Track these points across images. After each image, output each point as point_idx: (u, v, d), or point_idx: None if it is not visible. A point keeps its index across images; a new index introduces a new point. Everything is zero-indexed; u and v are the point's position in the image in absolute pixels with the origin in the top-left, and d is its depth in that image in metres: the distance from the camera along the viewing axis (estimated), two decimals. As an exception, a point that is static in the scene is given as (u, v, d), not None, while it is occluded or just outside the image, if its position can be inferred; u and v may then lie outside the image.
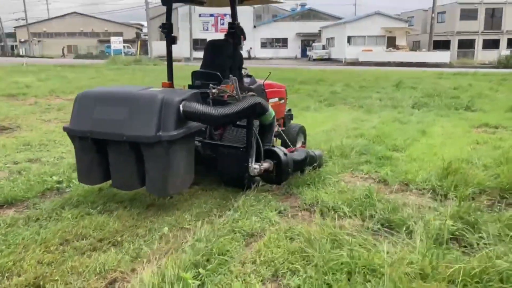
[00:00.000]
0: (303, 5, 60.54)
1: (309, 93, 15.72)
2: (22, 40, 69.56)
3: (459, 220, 4.03)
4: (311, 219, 4.29)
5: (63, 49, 64.29)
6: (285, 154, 4.82)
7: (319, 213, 4.40)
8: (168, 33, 5.41)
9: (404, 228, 3.94)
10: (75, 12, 71.79)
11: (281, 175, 4.85)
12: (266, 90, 6.37)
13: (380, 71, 28.11)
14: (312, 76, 23.02)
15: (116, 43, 44.09)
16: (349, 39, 45.77)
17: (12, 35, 76.30)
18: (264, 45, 56.35)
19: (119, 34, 69.21)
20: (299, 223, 4.12)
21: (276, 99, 6.68)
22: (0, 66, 31.43)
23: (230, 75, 4.99)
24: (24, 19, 67.95)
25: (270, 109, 4.72)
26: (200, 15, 53.08)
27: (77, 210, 4.49)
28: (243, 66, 6.38)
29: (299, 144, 6.91)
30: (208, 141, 5.07)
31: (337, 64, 42.53)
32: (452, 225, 3.92)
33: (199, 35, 52.48)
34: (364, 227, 4.07)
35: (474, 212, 4.20)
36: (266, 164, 4.78)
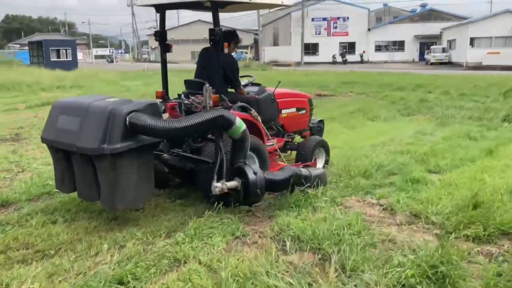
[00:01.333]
0: (423, 6, 56.69)
1: (395, 100, 14.51)
2: (153, 47, 76.03)
3: (429, 270, 3.22)
4: (262, 250, 3.80)
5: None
6: (254, 173, 4.35)
7: (273, 243, 3.89)
8: (162, 41, 5.27)
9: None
10: (199, 20, 76.34)
11: (249, 196, 4.39)
12: (277, 100, 5.90)
13: (499, 77, 25.00)
14: (414, 81, 21.30)
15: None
16: (471, 40, 41.53)
17: (146, 43, 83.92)
18: (378, 48, 53.94)
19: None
20: (234, 255, 3.64)
21: (293, 109, 6.16)
22: (126, 71, 34.74)
23: (205, 85, 4.69)
24: (155, 28, 74.22)
25: (239, 123, 4.29)
26: (313, 19, 52.71)
27: (46, 217, 4.58)
28: (250, 74, 6.02)
29: (319, 160, 6.30)
30: (182, 153, 4.81)
31: (457, 68, 38.89)
32: (413, 277, 3.16)
33: (310, 39, 52.16)
34: (313, 266, 3.48)
35: (456, 260, 3.33)
36: (232, 183, 4.37)
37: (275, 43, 59.85)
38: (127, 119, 3.92)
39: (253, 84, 6.03)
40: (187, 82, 5.44)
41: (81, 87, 20.01)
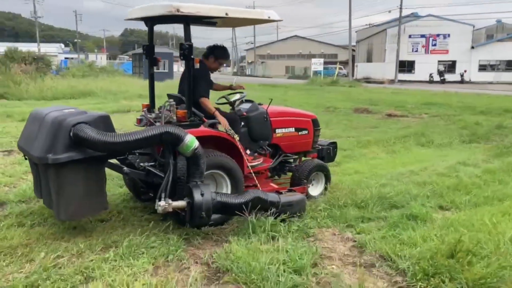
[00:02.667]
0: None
1: (467, 125, 13.17)
2: (250, 61, 78.24)
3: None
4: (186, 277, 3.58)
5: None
6: (202, 194, 4.12)
7: (197, 274, 3.66)
8: (150, 55, 5.29)
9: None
10: (296, 36, 77.13)
11: (192, 217, 4.18)
12: (272, 119, 5.62)
13: None
14: (508, 105, 19.23)
15: (317, 64, 45.37)
16: None
17: (244, 58, 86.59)
18: (483, 68, 49.82)
19: (334, 56, 71.34)
20: (142, 281, 3.46)
21: (290, 129, 5.82)
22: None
23: (168, 100, 4.60)
24: (253, 43, 76.45)
25: (189, 140, 4.12)
26: (410, 36, 50.37)
27: (16, 220, 4.78)
28: (242, 90, 5.81)
29: (316, 185, 5.88)
30: (148, 167, 4.73)
31: None
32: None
33: (406, 56, 49.85)
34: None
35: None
36: (179, 203, 4.19)
37: (369, 60, 58.19)
38: (72, 130, 3.96)
39: (246, 101, 5.82)
40: (169, 97, 5.40)
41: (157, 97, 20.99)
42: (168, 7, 4.38)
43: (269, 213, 4.51)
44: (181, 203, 4.18)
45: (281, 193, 5.09)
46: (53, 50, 65.42)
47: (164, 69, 41.82)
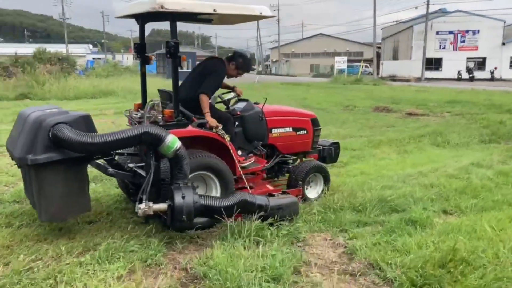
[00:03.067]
0: None
1: (489, 124, 12.60)
2: (274, 60, 77.94)
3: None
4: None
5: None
6: (182, 196, 3.98)
7: (170, 280, 3.53)
8: (141, 53, 5.18)
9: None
10: (321, 34, 76.35)
11: (173, 221, 4.05)
12: (267, 118, 5.44)
13: None
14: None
15: (340, 62, 44.73)
16: None
17: (268, 56, 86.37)
18: (514, 64, 48.24)
19: (359, 54, 70.28)
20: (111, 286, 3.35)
21: (287, 129, 5.62)
22: (235, 83, 35.91)
23: (152, 100, 4.50)
24: (277, 41, 76.11)
25: (170, 141, 3.99)
26: (437, 33, 49.11)
27: (5, 220, 4.79)
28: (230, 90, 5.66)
29: (314, 187, 5.67)
30: (135, 168, 4.62)
31: None
32: None
33: (433, 54, 48.65)
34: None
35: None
36: (160, 206, 4.06)
37: (395, 57, 57.06)
38: (51, 130, 3.89)
39: (240, 100, 5.66)
40: (159, 92, 5.29)
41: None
42: (152, 3, 4.25)
43: (255, 216, 4.34)
44: (162, 206, 4.06)
45: (273, 195, 4.92)
46: (81, 50, 66.87)
47: (187, 69, 42.12)
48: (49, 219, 4.15)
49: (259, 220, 4.33)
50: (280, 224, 4.50)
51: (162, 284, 3.49)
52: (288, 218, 4.59)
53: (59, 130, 3.86)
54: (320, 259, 4.03)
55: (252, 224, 4.23)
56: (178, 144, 4.06)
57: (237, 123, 5.39)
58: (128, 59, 63.52)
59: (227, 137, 4.81)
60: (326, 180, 5.72)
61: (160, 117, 4.57)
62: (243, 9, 4.81)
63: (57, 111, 4.21)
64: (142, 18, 5.03)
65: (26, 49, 42.49)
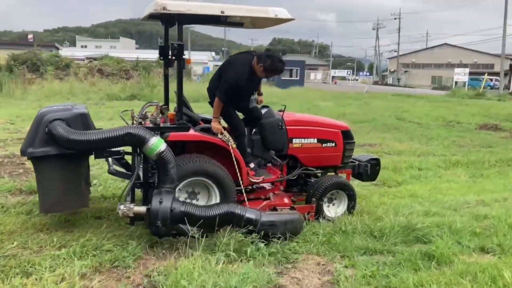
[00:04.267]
0: None
1: None
2: (392, 70, 74.74)
3: None
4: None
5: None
6: (160, 201, 3.87)
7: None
8: (165, 56, 5.21)
9: None
10: (445, 44, 71.30)
11: (150, 225, 3.95)
12: (288, 127, 5.12)
13: None
14: None
15: (461, 74, 41.07)
16: None
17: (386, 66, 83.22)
18: None
19: (489, 66, 64.20)
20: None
21: (311, 140, 5.22)
22: (341, 92, 35.10)
23: (151, 101, 4.48)
24: (396, 51, 72.88)
25: (153, 143, 3.91)
26: None
27: (25, 208, 5.10)
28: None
29: (338, 204, 5.20)
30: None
31: None
32: None
33: None
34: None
35: None
36: (140, 208, 4.00)
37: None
38: (48, 126, 4.07)
39: (262, 106, 5.39)
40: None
41: (272, 104, 21.05)
42: (155, 5, 4.25)
43: (240, 230, 4.08)
44: (141, 209, 4.01)
45: (276, 209, 4.61)
46: (203, 58, 70.87)
47: (295, 77, 42.35)
48: (46, 210, 4.34)
49: (242, 234, 4.08)
50: (272, 241, 4.17)
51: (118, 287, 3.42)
52: (281, 236, 4.23)
53: (53, 126, 4.03)
54: (297, 285, 3.64)
55: (233, 238, 3.98)
56: (162, 147, 3.98)
57: (255, 130, 5.16)
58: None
59: (232, 144, 4.61)
60: (351, 199, 5.20)
61: (159, 119, 4.53)
62: (255, 11, 4.59)
63: (62, 107, 4.39)
64: (165, 21, 5.06)
65: (151, 54, 46.40)
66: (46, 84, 23.70)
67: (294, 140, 5.17)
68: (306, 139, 5.22)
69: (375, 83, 71.17)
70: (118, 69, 30.49)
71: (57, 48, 52.04)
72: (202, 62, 61.49)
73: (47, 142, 4.08)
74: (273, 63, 4.77)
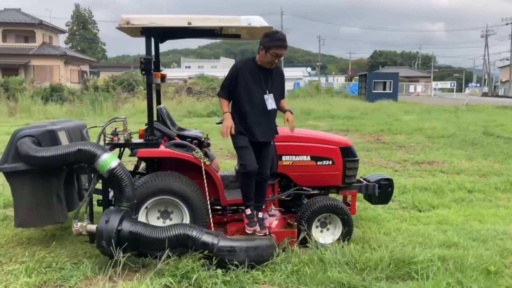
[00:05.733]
0: None
1: None
2: (503, 80, 68.18)
3: None
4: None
5: None
6: (106, 221, 3.72)
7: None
8: (156, 70, 5.09)
9: None
10: None
11: (97, 245, 3.80)
12: (276, 143, 4.71)
13: None
14: None
15: None
16: None
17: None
18: None
19: None
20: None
21: (304, 157, 4.75)
22: (435, 104, 32.67)
23: (119, 117, 4.38)
24: (508, 59, 66.40)
25: (103, 160, 3.80)
26: None
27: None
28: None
29: (333, 230, 4.66)
30: None
31: None
32: None
33: None
34: None
35: None
36: (92, 227, 3.89)
37: None
38: (17, 142, 4.18)
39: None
40: (157, 110, 5.05)
41: (350, 118, 20.25)
42: (120, 20, 4.20)
43: (191, 254, 3.80)
44: (93, 228, 3.91)
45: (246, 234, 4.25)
46: (298, 74, 71.11)
47: (388, 90, 40.41)
48: (19, 225, 4.43)
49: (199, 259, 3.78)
50: (230, 268, 3.81)
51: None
52: (240, 264, 3.83)
53: (20, 142, 4.12)
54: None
55: (180, 262, 3.71)
56: (113, 163, 3.87)
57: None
58: (338, 81, 64.81)
59: (205, 161, 4.36)
60: (345, 224, 4.61)
61: (126, 135, 4.42)
62: (226, 20, 4.32)
63: (45, 123, 4.50)
64: (154, 35, 5.00)
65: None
66: (136, 102, 25.37)
67: (283, 157, 4.75)
68: (297, 156, 4.77)
69: (484, 94, 65.42)
70: (206, 87, 31.74)
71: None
72: (297, 78, 61.78)
73: (18, 158, 4.18)
74: (268, 36, 4.14)
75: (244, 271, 3.81)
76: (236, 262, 3.81)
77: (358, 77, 45.62)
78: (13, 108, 22.47)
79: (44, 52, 43.61)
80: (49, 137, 4.28)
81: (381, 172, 8.21)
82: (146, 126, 4.45)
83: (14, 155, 4.19)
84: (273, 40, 4.09)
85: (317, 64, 79.35)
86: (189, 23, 4.22)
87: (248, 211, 4.34)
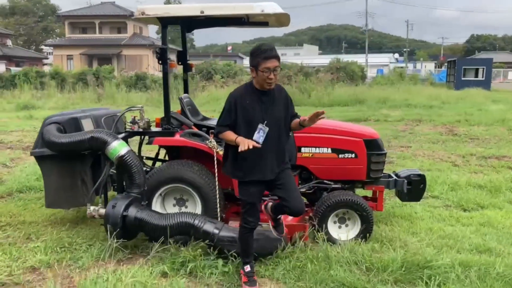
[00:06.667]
0: None
1: None
2: None
3: None
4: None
5: None
6: (113, 206, 3.85)
7: None
8: (183, 61, 5.15)
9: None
10: None
11: (105, 229, 3.94)
12: (296, 134, 4.55)
13: None
14: None
15: None
16: None
17: None
18: None
19: None
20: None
21: (325, 149, 4.54)
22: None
23: (135, 105, 4.48)
24: None
25: (113, 147, 3.93)
26: None
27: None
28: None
29: (352, 226, 4.43)
30: None
31: None
32: None
33: None
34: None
35: None
36: (103, 211, 4.05)
37: None
38: (43, 129, 4.46)
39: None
40: (180, 100, 5.08)
41: (428, 107, 19.02)
42: (136, 11, 4.29)
43: (194, 242, 3.82)
44: (104, 211, 4.06)
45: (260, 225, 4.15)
46: (384, 60, 68.40)
47: (480, 77, 37.37)
48: (48, 206, 4.73)
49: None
50: (232, 259, 3.78)
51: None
52: (238, 254, 3.77)
53: (46, 129, 4.40)
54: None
55: (183, 251, 3.76)
56: (122, 151, 3.99)
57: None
58: (427, 67, 61.22)
59: (219, 150, 4.33)
60: (364, 221, 4.35)
61: (142, 124, 4.52)
62: (238, 8, 4.22)
63: (72, 112, 4.78)
64: (182, 26, 5.05)
65: (322, 60, 46.83)
66: (213, 90, 26.04)
67: (303, 149, 4.58)
68: (317, 148, 4.58)
69: None
70: (281, 75, 31.67)
71: (241, 58, 56.80)
72: (382, 64, 59.49)
73: (43, 144, 4.47)
74: (253, 53, 3.36)
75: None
76: (235, 253, 3.76)
77: (446, 64, 42.72)
78: (100, 95, 24.19)
79: (134, 43, 46.28)
80: (73, 124, 4.51)
81: (437, 166, 7.68)
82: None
83: (41, 141, 4.48)
84: (258, 55, 3.30)
85: (404, 50, 75.62)
86: (202, 12, 4.20)
87: (248, 268, 3.58)
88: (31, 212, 5.29)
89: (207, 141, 4.36)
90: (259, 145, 3.26)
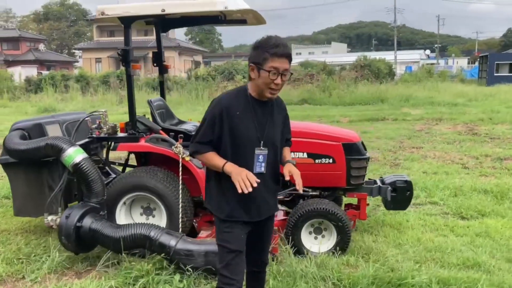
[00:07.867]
0: None
1: None
2: None
3: None
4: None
5: None
6: (66, 217, 3.66)
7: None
8: (158, 62, 4.95)
9: None
10: None
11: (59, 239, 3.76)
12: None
13: None
14: None
15: None
16: None
17: None
18: None
19: None
20: None
21: (300, 154, 4.22)
22: None
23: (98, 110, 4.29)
24: None
25: (68, 154, 3.74)
26: None
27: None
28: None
29: (328, 237, 4.11)
30: None
31: None
32: None
33: None
34: None
35: None
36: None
37: None
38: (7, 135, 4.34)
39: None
40: (148, 103, 4.86)
41: (453, 105, 18.24)
42: (96, 11, 4.10)
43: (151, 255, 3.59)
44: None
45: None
46: (415, 56, 66.64)
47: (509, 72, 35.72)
48: (16, 214, 4.59)
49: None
50: (187, 273, 3.53)
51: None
52: (197, 268, 3.52)
53: (8, 135, 4.27)
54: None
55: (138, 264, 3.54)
56: (77, 158, 3.81)
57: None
58: (458, 63, 59.28)
59: (185, 156, 4.09)
60: (340, 233, 4.01)
61: (106, 129, 4.32)
62: (200, 5, 3.96)
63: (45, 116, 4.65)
64: (155, 25, 4.86)
65: (349, 57, 45.83)
66: (234, 91, 25.87)
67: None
68: (292, 153, 4.20)
69: None
70: (304, 74, 31.23)
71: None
72: (413, 61, 57.94)
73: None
74: (258, 46, 2.44)
75: (201, 277, 3.50)
76: (190, 268, 3.51)
77: (478, 59, 41.16)
78: (123, 97, 24.41)
79: (160, 45, 46.68)
80: (38, 130, 4.36)
81: (445, 169, 7.22)
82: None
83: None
84: (265, 49, 2.40)
85: (435, 46, 73.58)
86: (163, 10, 3.97)
87: None
88: (8, 219, 5.18)
89: (173, 147, 4.13)
90: (259, 180, 2.40)
